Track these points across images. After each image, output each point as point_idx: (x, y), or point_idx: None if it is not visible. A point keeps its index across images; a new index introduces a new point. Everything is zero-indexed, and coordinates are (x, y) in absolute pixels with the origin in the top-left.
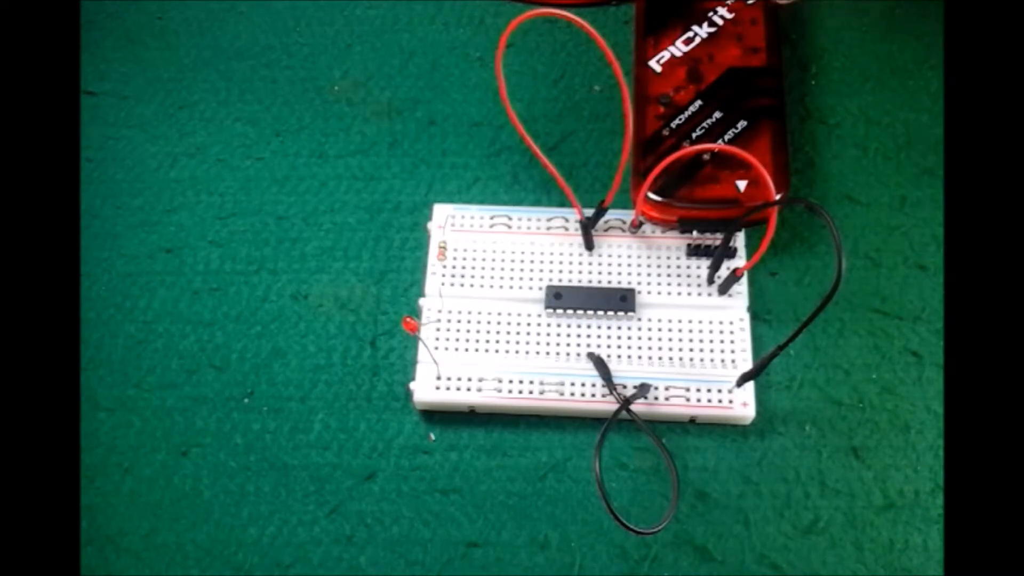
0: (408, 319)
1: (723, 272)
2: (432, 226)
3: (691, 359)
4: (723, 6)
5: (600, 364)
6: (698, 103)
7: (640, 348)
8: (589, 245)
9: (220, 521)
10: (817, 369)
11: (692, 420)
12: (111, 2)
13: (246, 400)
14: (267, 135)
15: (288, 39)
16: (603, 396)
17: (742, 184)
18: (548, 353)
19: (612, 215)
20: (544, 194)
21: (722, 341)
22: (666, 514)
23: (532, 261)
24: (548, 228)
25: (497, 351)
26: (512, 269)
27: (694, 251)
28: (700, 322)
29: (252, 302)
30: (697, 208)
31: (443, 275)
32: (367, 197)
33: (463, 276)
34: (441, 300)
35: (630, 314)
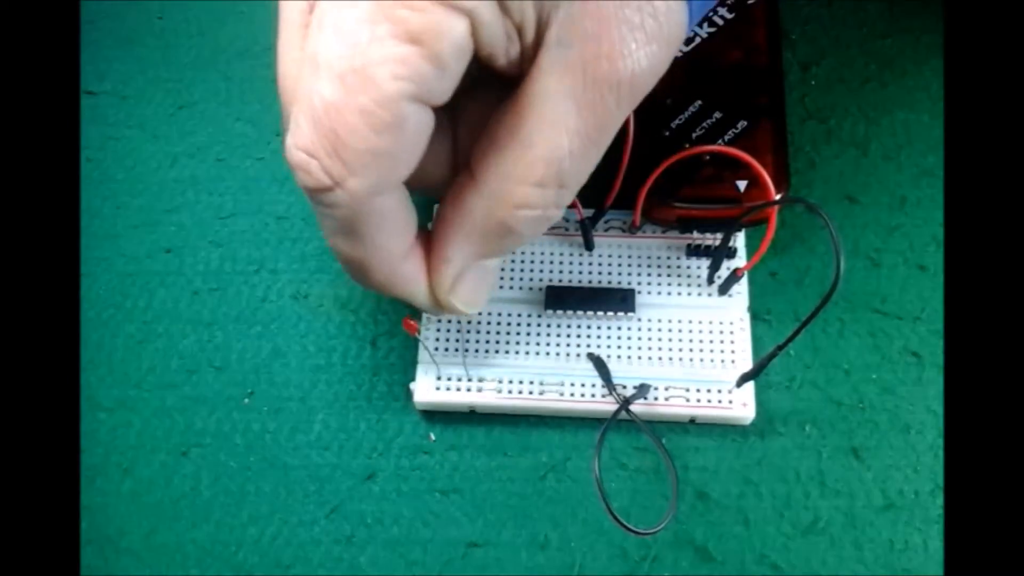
0: (408, 319)
1: (723, 272)
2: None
3: (691, 359)
4: (723, 6)
5: (600, 365)
6: (698, 103)
7: (640, 348)
8: (589, 245)
9: (220, 521)
10: (817, 369)
11: (692, 420)
12: (111, 2)
13: (246, 400)
14: (267, 135)
15: None
16: (603, 396)
17: (742, 184)
18: (548, 354)
19: (612, 215)
20: None
21: (722, 341)
22: (665, 515)
23: (532, 261)
24: (548, 228)
25: (497, 351)
26: (512, 269)
27: (694, 251)
28: (700, 322)
29: (252, 302)
30: (697, 208)
31: None
32: None
33: None
34: None
35: (630, 314)
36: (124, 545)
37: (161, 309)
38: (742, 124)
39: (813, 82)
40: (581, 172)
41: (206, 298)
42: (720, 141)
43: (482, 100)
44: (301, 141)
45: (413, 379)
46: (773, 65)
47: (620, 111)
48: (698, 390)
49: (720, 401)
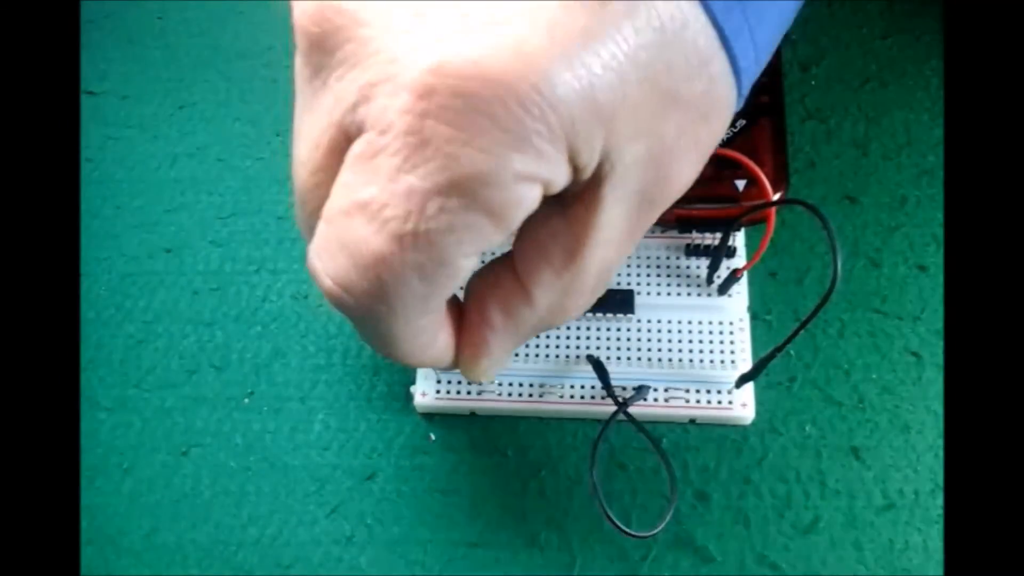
0: None
1: (722, 272)
2: None
3: (690, 360)
4: None
5: (599, 368)
6: None
7: (639, 349)
8: None
9: (220, 521)
10: (817, 369)
11: (692, 421)
12: (111, 2)
13: (246, 400)
14: (267, 135)
15: (288, 39)
16: (603, 398)
17: (741, 183)
18: (547, 356)
19: None
20: None
21: (721, 342)
22: (662, 518)
23: None
24: None
25: None
26: None
27: (693, 251)
28: (700, 322)
29: (252, 302)
30: (696, 208)
31: None
32: None
33: None
34: None
35: (629, 315)
36: (124, 545)
37: (161, 309)
38: (741, 123)
39: (813, 82)
40: (621, 265)
41: (206, 298)
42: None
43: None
44: (338, 276)
45: (413, 380)
46: (773, 65)
47: (661, 212)
48: (697, 391)
49: (720, 401)
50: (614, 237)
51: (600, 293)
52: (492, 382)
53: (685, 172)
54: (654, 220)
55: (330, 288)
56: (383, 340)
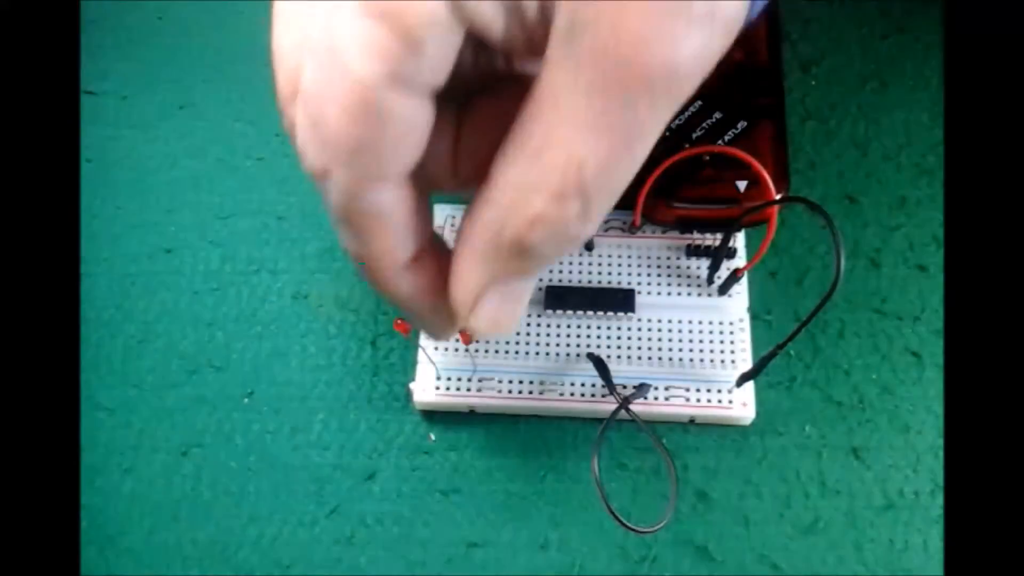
0: (400, 321)
1: (723, 272)
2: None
3: (691, 359)
4: None
5: (600, 364)
6: (698, 103)
7: (640, 348)
8: (589, 245)
9: (220, 521)
10: (817, 369)
11: (692, 420)
12: (111, 2)
13: (246, 400)
14: (267, 135)
15: None
16: (603, 396)
17: (742, 184)
18: (548, 354)
19: (612, 215)
20: None
21: (722, 341)
22: (664, 513)
23: None
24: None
25: (497, 351)
26: None
27: (694, 251)
28: (700, 322)
29: (252, 302)
30: (697, 208)
31: None
32: None
33: None
34: None
35: (629, 314)
36: (124, 545)
37: (161, 309)
38: (742, 124)
39: (813, 82)
40: (610, 184)
41: (206, 298)
42: (720, 141)
43: (499, 99)
44: (297, 122)
45: (413, 379)
46: (773, 65)
47: (656, 111)
48: (698, 390)
49: (720, 401)
50: (576, 118)
51: (581, 212)
52: (498, 345)
53: (668, 43)
54: (643, 119)
55: (295, 141)
56: (352, 236)
